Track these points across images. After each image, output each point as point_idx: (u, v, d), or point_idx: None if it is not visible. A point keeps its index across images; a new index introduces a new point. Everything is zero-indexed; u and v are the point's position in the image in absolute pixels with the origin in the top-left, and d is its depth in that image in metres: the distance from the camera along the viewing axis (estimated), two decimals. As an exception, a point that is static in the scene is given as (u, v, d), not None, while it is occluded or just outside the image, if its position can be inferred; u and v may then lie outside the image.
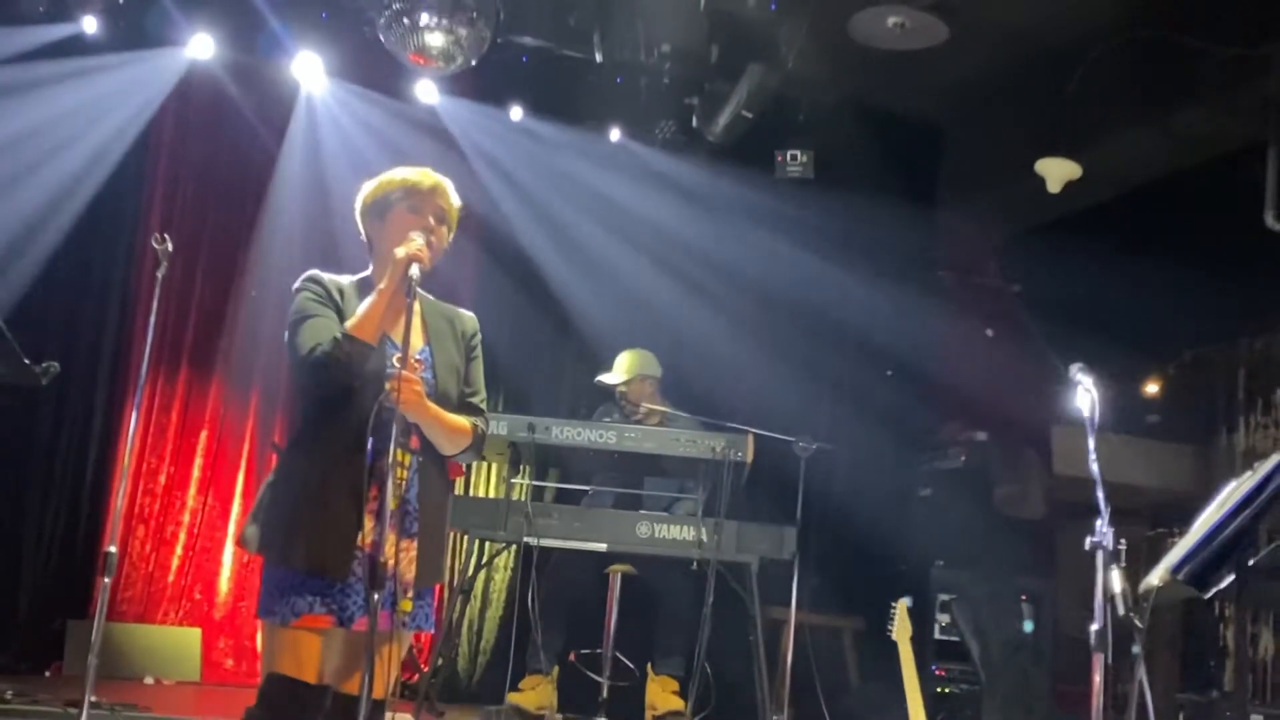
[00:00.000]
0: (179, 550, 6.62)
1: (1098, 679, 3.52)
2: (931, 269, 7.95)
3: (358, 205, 3.23)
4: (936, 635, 6.72)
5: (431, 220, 3.13)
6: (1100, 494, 3.51)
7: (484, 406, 3.27)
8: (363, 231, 3.24)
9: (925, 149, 7.71)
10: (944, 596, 6.71)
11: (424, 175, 3.20)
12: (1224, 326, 6.70)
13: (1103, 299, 6.61)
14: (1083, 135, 6.20)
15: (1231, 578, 3.13)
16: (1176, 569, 2.98)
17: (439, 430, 3.05)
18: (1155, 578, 3.21)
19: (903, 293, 7.30)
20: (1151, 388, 8.04)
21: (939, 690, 6.60)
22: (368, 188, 3.22)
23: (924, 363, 7.54)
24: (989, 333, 8.00)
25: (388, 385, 2.83)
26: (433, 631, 3.52)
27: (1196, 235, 6.33)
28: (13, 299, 5.91)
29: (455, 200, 3.24)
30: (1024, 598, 6.73)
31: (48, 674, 5.99)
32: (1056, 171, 6.04)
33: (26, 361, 3.33)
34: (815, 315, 7.38)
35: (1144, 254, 6.50)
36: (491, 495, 6.87)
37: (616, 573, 5.93)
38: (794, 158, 7.01)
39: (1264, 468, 2.95)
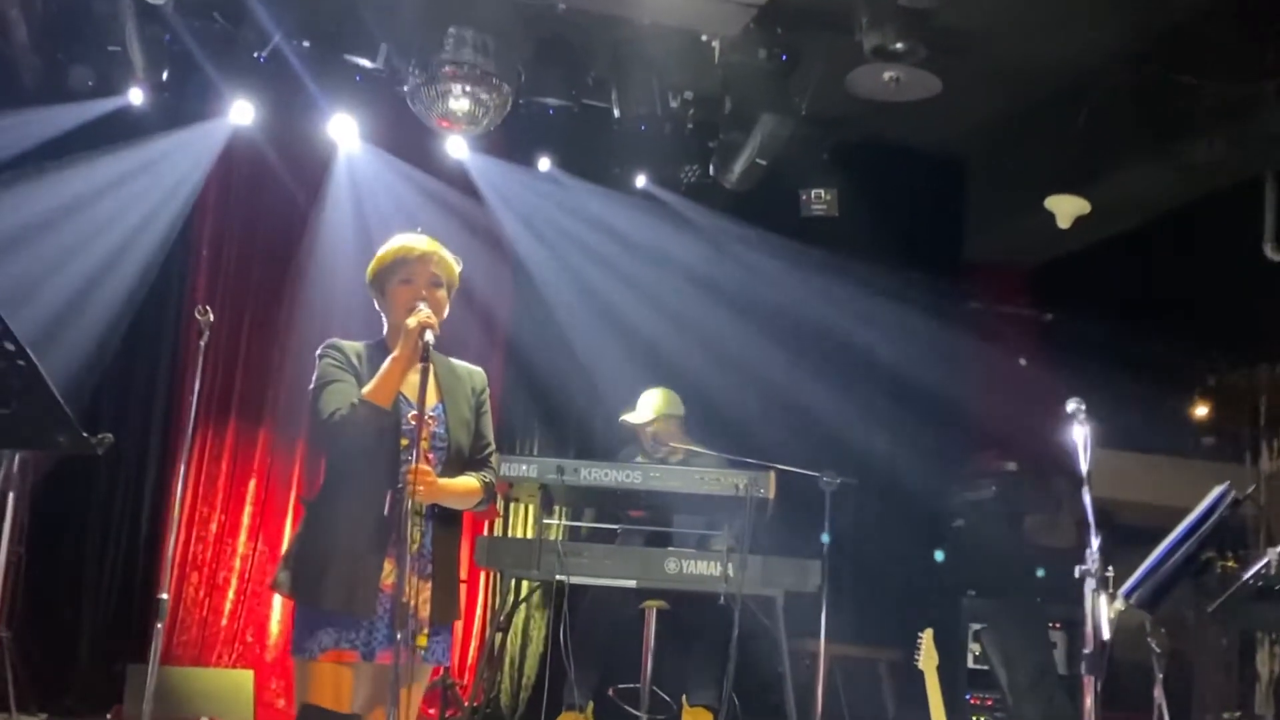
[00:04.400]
0: (231, 595, 7.11)
1: (1089, 701, 3.86)
2: (961, 299, 8.27)
3: (367, 279, 3.64)
4: (969, 665, 7.02)
5: (425, 289, 3.51)
6: (1092, 522, 3.85)
7: (494, 459, 3.66)
8: (375, 301, 3.66)
9: (949, 183, 8.05)
10: (975, 626, 7.01)
11: (414, 244, 3.56)
12: (1244, 353, 6.98)
13: (1128, 326, 6.93)
14: (1095, 169, 6.55)
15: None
16: (1128, 594, 3.32)
17: (453, 500, 3.48)
18: (1119, 604, 3.55)
19: (932, 324, 7.62)
20: (1201, 410, 8.34)
21: (973, 719, 6.91)
22: (371, 263, 3.62)
23: (956, 394, 7.87)
24: (1021, 361, 8.32)
25: (405, 478, 3.24)
26: (446, 663, 3.93)
27: (1214, 265, 6.66)
28: (70, 358, 6.43)
29: (450, 259, 3.60)
30: (1056, 625, 7.01)
31: (109, 717, 6.45)
32: (1065, 208, 6.38)
33: (85, 435, 3.78)
34: (845, 350, 7.72)
35: (1165, 282, 6.83)
36: (529, 535, 7.25)
37: (652, 608, 6.31)
38: (818, 196, 7.36)
39: (1206, 499, 3.28)
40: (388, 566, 3.33)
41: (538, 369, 7.42)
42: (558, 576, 5.84)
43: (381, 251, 3.61)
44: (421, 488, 3.26)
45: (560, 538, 6.30)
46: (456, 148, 7.18)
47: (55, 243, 6.63)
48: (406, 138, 7.15)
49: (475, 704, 6.31)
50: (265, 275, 7.44)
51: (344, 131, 7.04)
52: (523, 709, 7.19)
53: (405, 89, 6.15)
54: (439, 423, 3.51)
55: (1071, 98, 6.38)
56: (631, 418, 6.61)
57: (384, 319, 3.63)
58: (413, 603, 3.29)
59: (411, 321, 3.39)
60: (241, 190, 7.39)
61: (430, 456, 3.42)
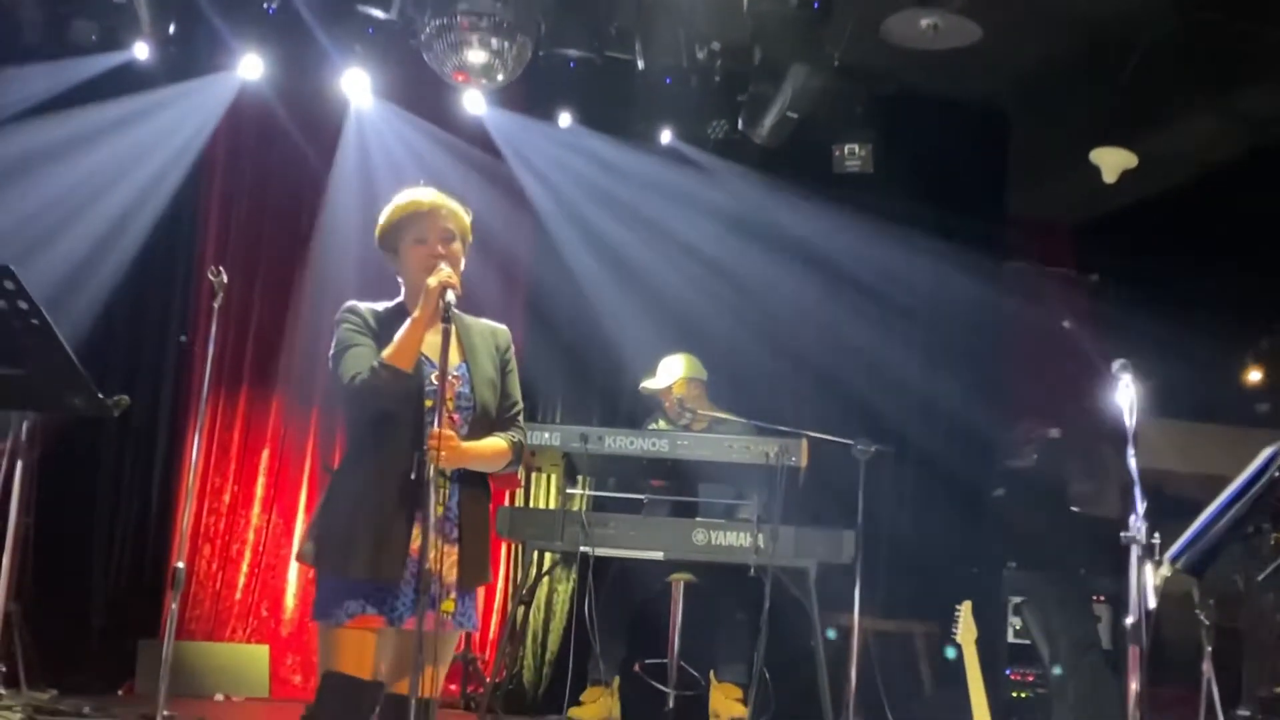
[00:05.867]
0: (245, 568, 7.21)
1: (1134, 672, 3.90)
2: (1003, 259, 8.27)
3: (376, 240, 3.69)
4: (1010, 639, 7.08)
5: (439, 246, 3.55)
6: (1137, 488, 3.89)
7: (521, 417, 3.72)
8: (388, 262, 3.70)
9: (989, 137, 8.03)
10: (1016, 599, 7.07)
11: (420, 198, 3.60)
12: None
13: (1177, 286, 6.95)
14: (1143, 121, 6.54)
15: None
16: (1175, 558, 3.37)
17: (480, 463, 3.55)
18: (1165, 569, 3.59)
19: (973, 285, 7.63)
20: (1254, 374, 8.34)
21: (1013, 695, 6.97)
22: (379, 222, 3.66)
23: (996, 358, 7.90)
24: (1065, 324, 8.33)
25: (428, 443, 3.30)
26: (476, 629, 4.00)
27: (1268, 222, 6.66)
28: (76, 323, 6.50)
29: (459, 209, 3.64)
30: (1100, 599, 7.05)
31: (120, 693, 6.56)
32: (1112, 161, 6.38)
33: (100, 396, 3.87)
34: (881, 312, 7.75)
35: (1216, 239, 6.83)
36: (552, 506, 7.33)
37: (679, 581, 6.39)
38: (851, 151, 7.35)
39: (1256, 460, 3.32)
40: (415, 531, 3.40)
41: (559, 333, 7.46)
42: (582, 548, 5.91)
43: (387, 211, 3.64)
44: (445, 452, 3.33)
45: (584, 508, 6.36)
46: (474, 103, 7.21)
47: (57, 201, 6.68)
48: (422, 93, 7.20)
49: (498, 679, 6.40)
50: (276, 236, 7.50)
51: (356, 86, 7.07)
52: (546, 684, 7.27)
53: (423, 37, 6.18)
54: (463, 382, 3.56)
55: (1119, 45, 6.36)
56: (651, 384, 6.66)
57: (400, 280, 3.67)
58: (438, 568, 3.36)
59: (432, 281, 3.44)
60: (250, 148, 7.45)
61: (455, 417, 3.49)
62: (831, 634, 6.77)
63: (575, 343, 7.48)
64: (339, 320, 3.57)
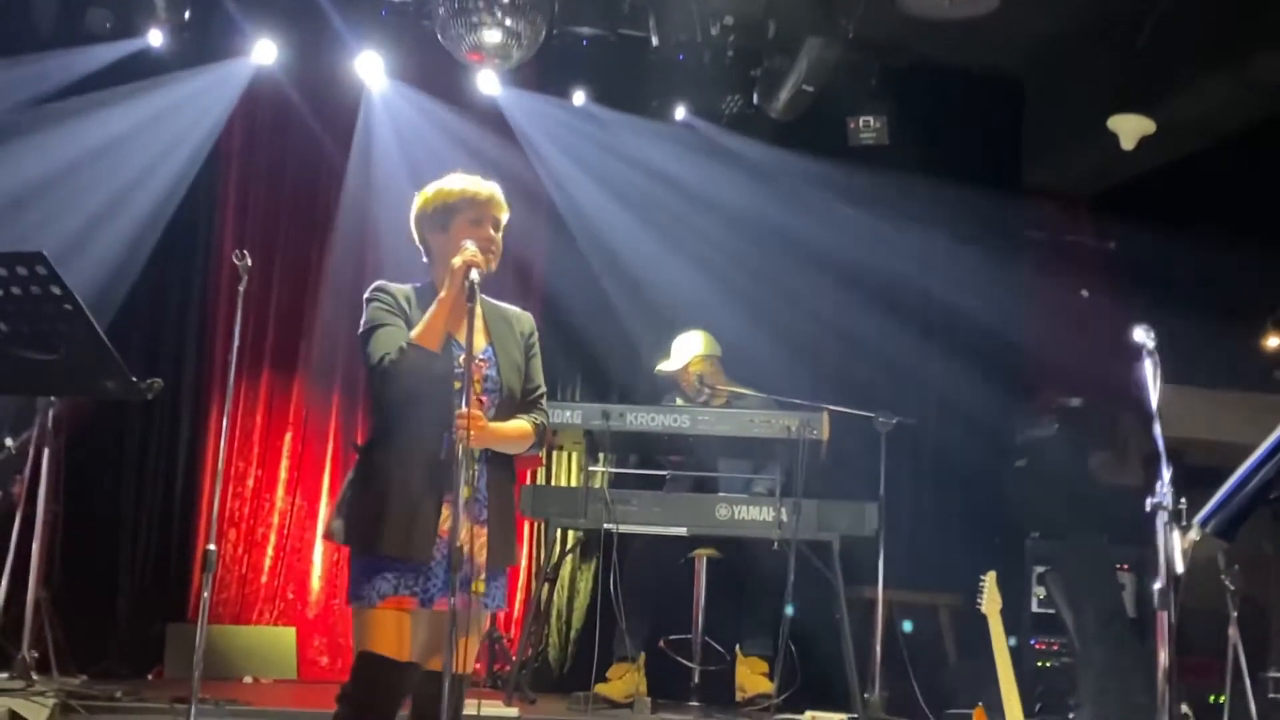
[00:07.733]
0: (270, 551, 7.26)
1: (1162, 638, 3.92)
2: (1020, 229, 8.26)
3: (414, 213, 3.69)
4: (1034, 608, 7.09)
5: (491, 230, 3.61)
6: (1162, 454, 3.90)
7: (544, 401, 3.76)
8: (417, 238, 3.71)
9: (1006, 107, 8.03)
10: (1040, 569, 7.07)
11: (479, 187, 3.65)
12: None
13: (1195, 253, 6.93)
14: (1160, 87, 6.53)
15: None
16: (1204, 522, 3.38)
17: (505, 444, 3.58)
18: (1194, 533, 3.61)
19: (990, 255, 7.63)
20: (1273, 341, 8.32)
21: (1039, 664, 6.99)
22: (425, 196, 3.67)
23: (1015, 327, 7.89)
24: (1084, 293, 8.33)
25: (455, 422, 3.32)
26: (505, 609, 4.04)
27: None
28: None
29: (505, 205, 3.69)
30: (1124, 567, 7.06)
31: (150, 677, 6.62)
32: (1129, 128, 6.37)
33: (134, 379, 3.90)
34: (898, 285, 7.76)
35: (1234, 205, 6.82)
36: (573, 484, 7.36)
37: (702, 557, 6.43)
38: (866, 124, 7.36)
39: (1286, 421, 3.33)
40: (445, 511, 3.42)
41: (576, 312, 7.47)
42: (605, 525, 5.95)
43: (443, 188, 3.65)
44: (473, 432, 3.36)
45: (606, 485, 6.40)
46: (488, 83, 7.22)
47: (73, 189, 6.71)
48: (436, 74, 7.22)
49: (524, 658, 6.44)
50: (294, 219, 7.52)
51: (371, 69, 7.10)
52: (571, 662, 7.32)
53: (437, 18, 6.19)
54: (490, 365, 3.59)
55: (1135, 10, 6.35)
56: (668, 366, 6.67)
57: (432, 259, 3.67)
58: (468, 548, 3.38)
59: (457, 261, 3.45)
60: (266, 133, 7.47)
61: (483, 399, 3.51)
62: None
63: (592, 320, 7.49)
64: (369, 299, 3.58)
